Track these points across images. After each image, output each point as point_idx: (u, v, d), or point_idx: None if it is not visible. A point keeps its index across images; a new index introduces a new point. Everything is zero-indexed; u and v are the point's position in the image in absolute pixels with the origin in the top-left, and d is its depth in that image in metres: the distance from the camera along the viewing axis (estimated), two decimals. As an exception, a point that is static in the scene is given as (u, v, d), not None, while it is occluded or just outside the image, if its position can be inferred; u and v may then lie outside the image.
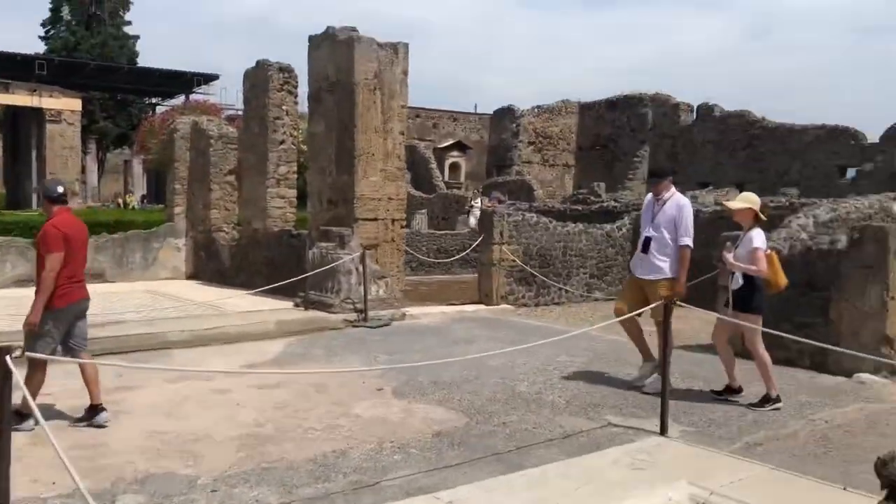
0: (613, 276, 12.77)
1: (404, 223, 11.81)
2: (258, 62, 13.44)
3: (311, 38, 11.53)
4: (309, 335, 8.90)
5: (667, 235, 6.41)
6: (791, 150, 24.74)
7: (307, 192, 11.74)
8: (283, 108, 13.25)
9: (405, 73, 11.28)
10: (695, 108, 28.17)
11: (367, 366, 7.37)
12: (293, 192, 13.45)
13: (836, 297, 7.33)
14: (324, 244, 10.39)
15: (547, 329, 9.53)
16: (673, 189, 6.62)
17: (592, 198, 17.59)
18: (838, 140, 23.68)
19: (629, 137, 29.53)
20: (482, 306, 11.25)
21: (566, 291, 12.18)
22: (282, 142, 13.26)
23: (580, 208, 16.05)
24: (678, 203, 6.48)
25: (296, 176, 13.59)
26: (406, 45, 11.30)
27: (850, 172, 22.42)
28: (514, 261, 11.52)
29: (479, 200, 21.27)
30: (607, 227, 13.04)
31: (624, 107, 30.07)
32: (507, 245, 11.52)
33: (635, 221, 12.84)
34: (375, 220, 11.00)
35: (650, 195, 6.73)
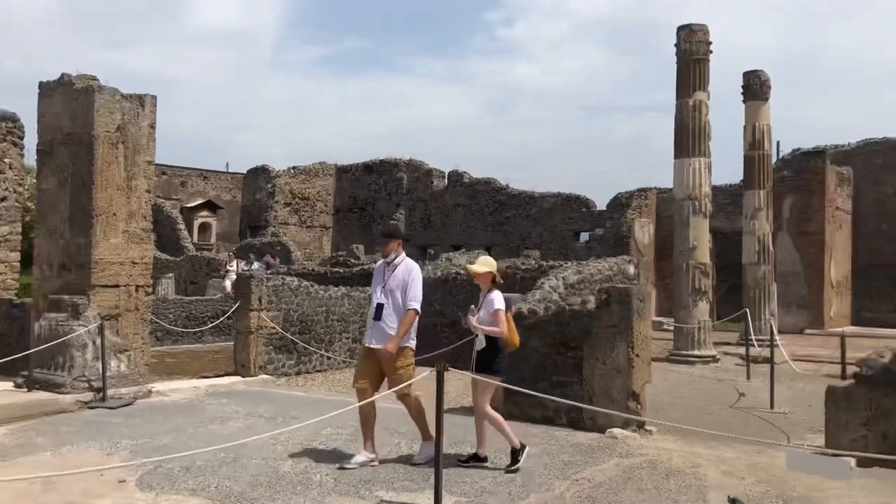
0: (375, 339, 12.62)
1: (150, 289, 10.82)
2: (-25, 108, 11.86)
3: (41, 85, 10.36)
4: (33, 421, 7.68)
5: (400, 301, 6.17)
6: (532, 216, 26.67)
7: (34, 255, 10.37)
8: (6, 160, 11.76)
9: (152, 126, 10.48)
10: (446, 174, 29.51)
11: (106, 454, 6.45)
12: (15, 256, 11.89)
13: (587, 355, 7.71)
14: (53, 315, 9.16)
15: (310, 400, 9.08)
16: (403, 253, 6.45)
17: (352, 260, 17.49)
18: (573, 207, 25.95)
19: (385, 200, 30.17)
20: (238, 378, 10.52)
21: (328, 358, 11.81)
22: (3, 198, 11.70)
23: (341, 271, 15.84)
24: (408, 267, 6.29)
25: (20, 237, 12.03)
26: (154, 98, 10.53)
27: (584, 236, 24.55)
28: (273, 328, 10.96)
29: (234, 264, 20.33)
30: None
31: (380, 170, 30.76)
32: (266, 311, 10.96)
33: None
34: (117, 286, 9.95)
35: (381, 261, 6.53)
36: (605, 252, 22.39)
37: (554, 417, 7.82)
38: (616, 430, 7.39)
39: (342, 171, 31.95)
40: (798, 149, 21.88)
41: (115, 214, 9.91)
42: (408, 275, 6.22)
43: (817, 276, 19.88)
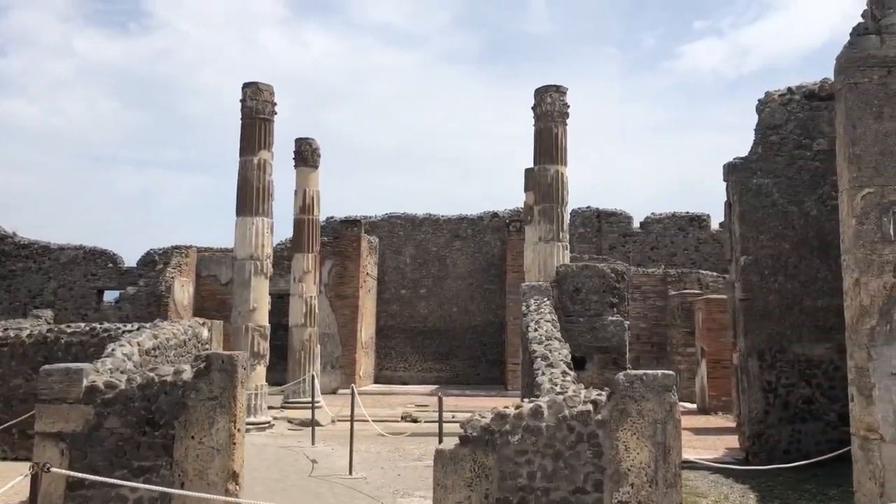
0: None
1: None
2: None
3: None
4: None
5: None
6: (45, 270, 23.43)
7: None
8: None
9: None
10: (-71, 215, 24.32)
11: None
12: None
13: (181, 433, 6.61)
14: None
15: None
16: None
17: None
18: (96, 262, 23.42)
19: None
20: None
21: None
22: None
23: None
24: None
25: None
26: None
27: (113, 295, 22.29)
28: None
29: None
30: None
31: None
32: None
33: None
34: None
35: None
36: (138, 314, 20.52)
37: (132, 512, 6.53)
38: (213, 519, 6.44)
39: None
40: (332, 217, 23.17)
41: None
42: None
43: (351, 337, 21.00)
